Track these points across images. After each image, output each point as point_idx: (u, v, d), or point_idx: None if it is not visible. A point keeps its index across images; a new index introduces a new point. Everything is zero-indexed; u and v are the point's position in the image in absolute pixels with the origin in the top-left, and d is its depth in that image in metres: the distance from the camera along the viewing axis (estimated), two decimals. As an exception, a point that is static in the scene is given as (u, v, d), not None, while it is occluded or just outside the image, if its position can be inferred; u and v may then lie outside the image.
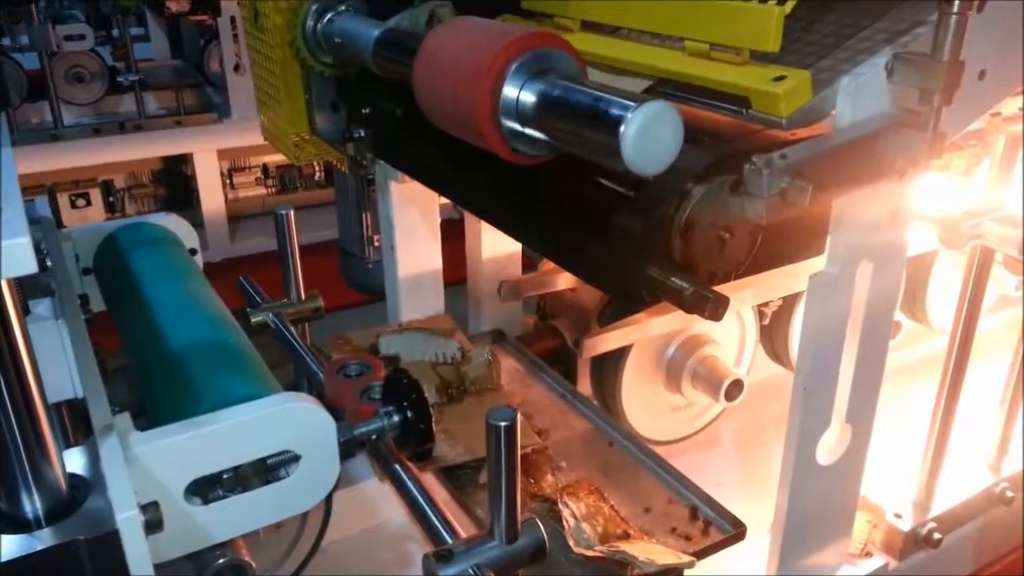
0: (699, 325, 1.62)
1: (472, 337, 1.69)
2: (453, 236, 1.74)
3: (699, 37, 0.98)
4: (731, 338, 1.71)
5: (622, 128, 0.70)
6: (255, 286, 1.49)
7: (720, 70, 0.95)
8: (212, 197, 3.47)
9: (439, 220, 1.64)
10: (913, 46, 0.91)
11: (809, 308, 1.02)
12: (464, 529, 0.96)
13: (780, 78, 0.90)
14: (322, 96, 1.52)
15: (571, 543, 1.10)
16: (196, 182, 3.45)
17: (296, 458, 0.86)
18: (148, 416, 0.92)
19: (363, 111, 1.44)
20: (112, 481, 0.72)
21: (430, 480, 1.24)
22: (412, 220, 1.60)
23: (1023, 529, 1.53)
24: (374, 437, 1.00)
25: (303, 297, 1.46)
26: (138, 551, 0.71)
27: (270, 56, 1.48)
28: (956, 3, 0.82)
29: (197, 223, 2.81)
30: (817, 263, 1.02)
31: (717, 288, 0.88)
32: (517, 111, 0.82)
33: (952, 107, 0.87)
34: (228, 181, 3.68)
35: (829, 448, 1.12)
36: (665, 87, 1.04)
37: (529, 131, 0.83)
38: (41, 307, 1.06)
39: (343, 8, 1.37)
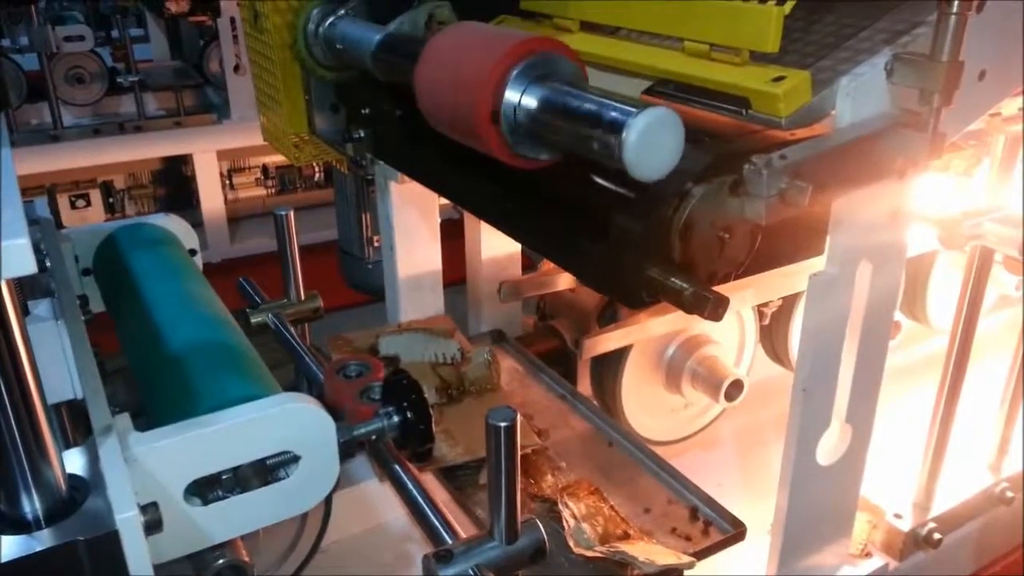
0: (699, 325, 1.62)
1: (472, 338, 1.69)
2: (453, 236, 1.74)
3: (698, 37, 0.98)
4: (731, 338, 1.71)
5: (623, 134, 0.71)
6: (255, 287, 1.49)
7: (720, 70, 0.95)
8: (212, 198, 3.47)
9: (439, 220, 1.64)
10: (913, 46, 0.91)
11: (809, 308, 1.02)
12: (464, 529, 0.96)
13: (780, 78, 0.90)
14: (322, 97, 1.52)
15: (571, 543, 1.10)
16: (196, 183, 3.45)
17: (296, 459, 0.86)
18: (147, 417, 0.92)
19: (362, 112, 1.44)
20: (111, 482, 0.72)
21: (430, 480, 1.24)
22: (412, 220, 1.60)
23: (1023, 529, 1.53)
24: (374, 438, 1.00)
25: (303, 297, 1.46)
26: (137, 552, 0.71)
27: (270, 57, 1.48)
28: (955, 3, 0.82)
29: (197, 224, 2.81)
30: (817, 263, 1.02)
31: (717, 288, 0.88)
32: (518, 117, 0.82)
33: (952, 107, 0.87)
34: (228, 182, 3.68)
35: (829, 448, 1.12)
36: (665, 88, 1.04)
37: (530, 136, 0.83)
38: (40, 308, 1.06)
39: (343, 12, 1.37)
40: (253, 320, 1.40)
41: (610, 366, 1.59)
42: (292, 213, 1.42)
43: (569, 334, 1.68)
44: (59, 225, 1.30)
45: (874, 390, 1.13)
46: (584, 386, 1.63)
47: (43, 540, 0.68)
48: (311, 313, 1.46)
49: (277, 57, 1.45)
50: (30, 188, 3.26)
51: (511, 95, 0.81)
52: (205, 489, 0.82)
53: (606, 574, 1.07)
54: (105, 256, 1.27)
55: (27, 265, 0.61)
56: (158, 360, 0.98)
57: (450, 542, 0.92)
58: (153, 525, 0.75)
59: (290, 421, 0.84)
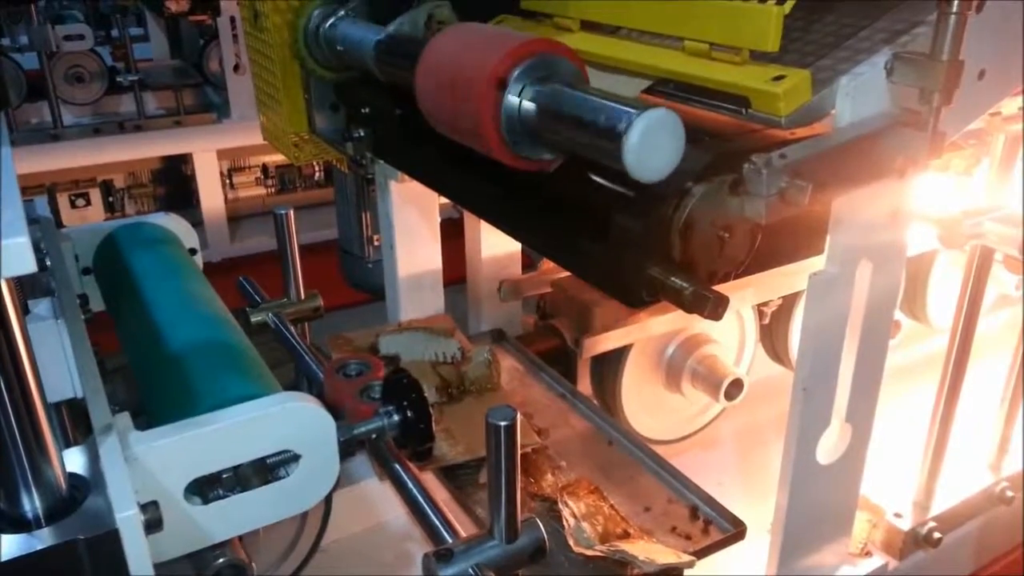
0: (699, 324, 1.62)
1: (472, 337, 1.69)
2: (453, 235, 1.74)
3: (699, 37, 0.98)
4: (731, 337, 1.72)
5: (624, 135, 0.71)
6: (255, 286, 1.49)
7: (720, 70, 0.95)
8: (212, 197, 3.47)
9: (439, 219, 1.64)
10: (912, 46, 0.91)
11: (809, 307, 1.02)
12: (464, 528, 0.96)
13: (779, 77, 0.90)
14: (321, 96, 1.52)
15: (571, 542, 1.10)
16: (196, 182, 3.45)
17: (296, 457, 0.86)
18: (148, 416, 0.92)
19: (362, 111, 1.45)
20: (112, 480, 0.72)
21: (430, 479, 1.24)
22: (412, 219, 1.60)
23: (1023, 529, 1.53)
24: (374, 436, 1.00)
25: (303, 297, 1.46)
26: (138, 550, 0.71)
27: (269, 56, 1.48)
28: (955, 3, 0.82)
29: (197, 223, 2.81)
30: (817, 262, 1.02)
31: (717, 287, 0.88)
32: (519, 118, 0.82)
33: (951, 107, 0.88)
34: (228, 181, 3.68)
35: (829, 447, 1.12)
36: (665, 87, 1.04)
37: (531, 137, 0.83)
38: (41, 307, 1.06)
39: (343, 12, 1.37)
40: (253, 319, 1.40)
41: (610, 365, 1.59)
42: (292, 212, 1.42)
43: (569, 333, 1.68)
44: (59, 224, 1.30)
45: (874, 389, 1.13)
46: (584, 385, 1.63)
47: (43, 539, 0.68)
48: (311, 312, 1.46)
49: (277, 56, 1.45)
50: (30, 187, 3.26)
51: (511, 96, 0.82)
52: (205, 488, 0.82)
53: (606, 573, 1.07)
54: (105, 255, 1.27)
55: (27, 264, 0.61)
56: (158, 359, 0.98)
57: (450, 541, 0.92)
58: (153, 524, 0.75)
59: (290, 420, 0.84)
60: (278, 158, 3.69)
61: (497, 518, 0.88)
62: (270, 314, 1.41)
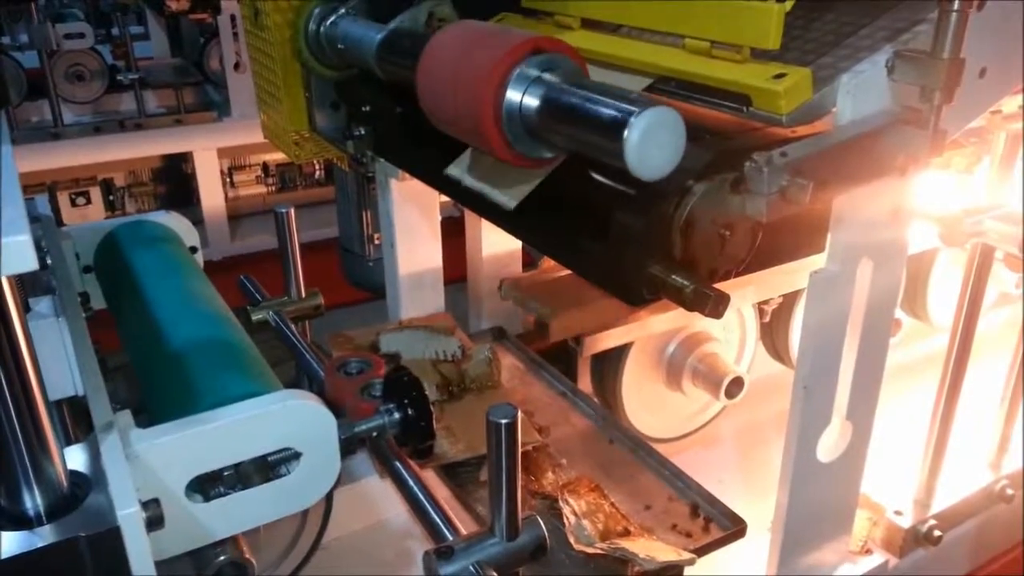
0: (699, 323, 1.62)
1: (472, 335, 1.69)
2: (453, 234, 1.74)
3: (699, 35, 0.98)
4: (732, 336, 1.72)
5: (625, 133, 0.71)
6: (255, 284, 1.49)
7: (721, 68, 0.95)
8: (212, 195, 3.47)
9: (439, 218, 1.64)
10: (913, 44, 0.91)
11: (809, 306, 1.02)
12: (465, 526, 0.96)
13: (780, 76, 0.90)
14: (322, 94, 1.52)
15: (572, 540, 1.10)
16: (196, 180, 3.45)
17: (297, 455, 0.86)
18: (149, 414, 0.92)
19: (363, 109, 1.45)
20: (113, 478, 0.72)
21: (431, 477, 1.24)
22: (412, 218, 1.60)
23: (1023, 527, 1.53)
24: (375, 434, 1.00)
25: (303, 295, 1.46)
26: (139, 548, 0.71)
27: (270, 54, 1.48)
28: (956, 1, 0.82)
29: (197, 221, 2.81)
30: (818, 261, 1.02)
31: (717, 285, 0.88)
32: (520, 116, 0.82)
33: (952, 105, 0.88)
34: (228, 179, 3.68)
35: (829, 445, 1.12)
36: (666, 85, 1.04)
37: (532, 135, 0.83)
38: (41, 305, 1.06)
39: (344, 10, 1.37)
40: (254, 317, 1.40)
41: (611, 363, 1.60)
42: (293, 211, 1.42)
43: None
44: (59, 223, 1.30)
45: (875, 387, 1.13)
46: (585, 383, 1.63)
47: (45, 536, 0.68)
48: (312, 310, 1.46)
49: (278, 55, 1.45)
50: (31, 186, 3.26)
51: (513, 94, 0.81)
52: (206, 486, 0.82)
53: (607, 571, 1.08)
54: (106, 253, 1.27)
55: (28, 262, 0.61)
56: (159, 357, 0.98)
57: (451, 539, 0.92)
58: (155, 521, 0.75)
59: (291, 418, 0.84)
60: (279, 156, 3.69)
61: (498, 516, 0.88)
62: (271, 312, 1.41)
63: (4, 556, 0.66)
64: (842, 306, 1.03)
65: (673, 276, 0.89)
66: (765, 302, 1.68)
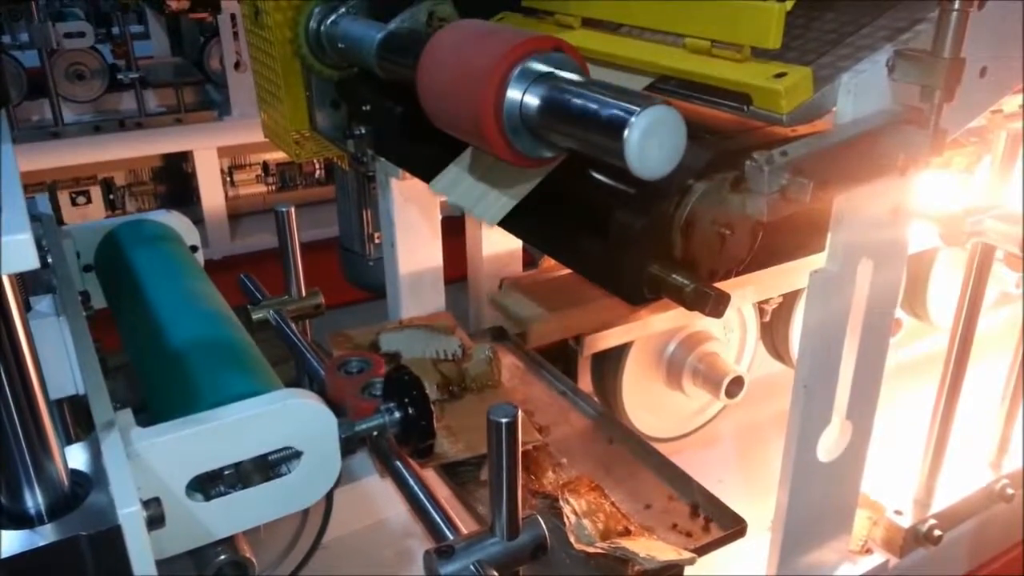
0: (700, 322, 1.62)
1: (473, 334, 1.69)
2: (454, 233, 1.74)
3: (700, 34, 0.98)
4: (732, 335, 1.72)
5: (626, 132, 0.71)
6: (256, 283, 1.49)
7: (721, 67, 0.95)
8: (212, 195, 3.47)
9: (440, 217, 1.64)
10: (914, 43, 0.91)
11: (810, 305, 1.02)
12: (465, 526, 0.96)
13: (781, 75, 0.90)
14: (322, 93, 1.52)
15: (572, 539, 1.10)
16: (196, 180, 3.45)
17: (297, 454, 0.86)
18: (149, 413, 0.92)
19: (363, 108, 1.45)
20: (114, 477, 0.72)
21: (431, 477, 1.24)
22: (413, 217, 1.60)
23: (1023, 526, 1.53)
24: (375, 434, 1.00)
25: (304, 294, 1.46)
26: (140, 547, 0.71)
27: (270, 53, 1.48)
28: (957, 0, 0.82)
29: (197, 221, 2.81)
30: (818, 260, 1.02)
31: (718, 285, 0.88)
32: (521, 115, 0.82)
33: (953, 104, 0.88)
34: (228, 179, 3.68)
35: (829, 445, 1.12)
36: (666, 84, 1.04)
37: (532, 134, 0.83)
38: (42, 304, 1.06)
39: (344, 9, 1.37)
40: (254, 317, 1.40)
41: (611, 363, 1.60)
42: (293, 210, 1.42)
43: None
44: (60, 222, 1.30)
45: (875, 387, 1.13)
46: (585, 383, 1.63)
47: (46, 535, 0.68)
48: (312, 310, 1.46)
49: (278, 54, 1.45)
50: (31, 185, 3.26)
51: (513, 93, 0.81)
52: (207, 485, 0.82)
53: (607, 570, 1.08)
54: (106, 252, 1.27)
55: (29, 260, 0.61)
56: (160, 356, 0.98)
57: (451, 538, 0.92)
58: (155, 520, 0.75)
59: (292, 417, 0.84)
60: (279, 156, 3.69)
61: (498, 515, 0.88)
62: (271, 311, 1.41)
63: (5, 555, 0.66)
64: (842, 306, 1.03)
65: (673, 275, 0.89)
66: (765, 301, 1.68)
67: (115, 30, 3.77)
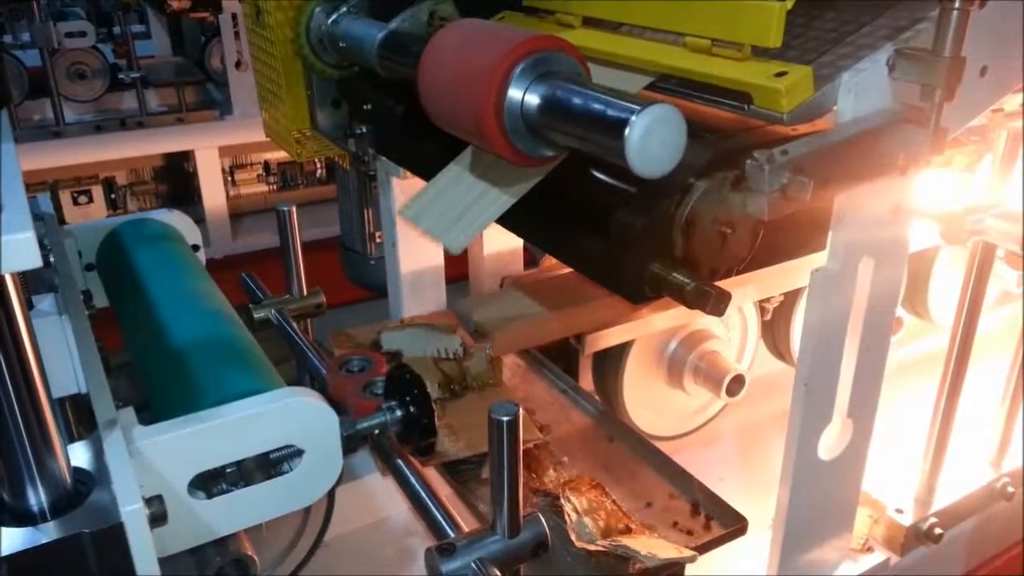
0: (701, 321, 1.62)
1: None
2: (455, 232, 1.74)
3: (700, 33, 0.98)
4: (733, 334, 1.72)
5: (626, 131, 0.71)
6: (257, 282, 1.49)
7: (721, 66, 0.95)
8: (214, 194, 3.47)
9: (441, 216, 1.64)
10: (915, 42, 0.91)
11: (811, 304, 1.02)
12: (466, 524, 0.96)
13: (782, 74, 0.90)
14: (324, 93, 1.52)
15: (573, 537, 1.10)
16: (197, 179, 3.45)
17: (299, 453, 0.86)
18: (152, 411, 0.92)
19: (364, 107, 1.45)
20: (116, 475, 0.73)
21: (432, 475, 1.24)
22: (414, 216, 1.60)
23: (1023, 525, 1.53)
24: (376, 432, 1.01)
25: (305, 293, 1.46)
26: (142, 544, 0.72)
27: (272, 53, 1.48)
28: (958, -1, 0.82)
29: (198, 220, 2.81)
30: (819, 259, 1.02)
31: (719, 284, 0.88)
32: (522, 114, 0.82)
33: (953, 103, 0.88)
34: (230, 178, 3.68)
35: (830, 443, 1.12)
36: (666, 83, 1.04)
37: (533, 134, 0.83)
38: (44, 303, 1.06)
39: (345, 9, 1.37)
40: (256, 316, 1.41)
41: (612, 362, 1.60)
42: (294, 209, 1.42)
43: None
44: (61, 221, 1.30)
45: (875, 385, 1.13)
46: (586, 381, 1.63)
47: (49, 532, 0.69)
48: (314, 309, 1.47)
49: (279, 53, 1.45)
50: (32, 184, 3.27)
51: (514, 92, 0.82)
52: (209, 483, 0.83)
53: (608, 568, 1.08)
54: (108, 251, 1.27)
55: (32, 259, 0.61)
56: (162, 355, 0.99)
57: (452, 536, 0.92)
58: (158, 518, 0.75)
59: (293, 415, 0.85)
60: (280, 155, 3.69)
61: (499, 513, 0.88)
62: (273, 310, 1.42)
63: (9, 552, 0.66)
64: (843, 304, 1.03)
65: (674, 274, 0.89)
66: (766, 300, 1.68)
67: (116, 29, 3.77)
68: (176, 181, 3.70)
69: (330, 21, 1.38)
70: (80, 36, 3.24)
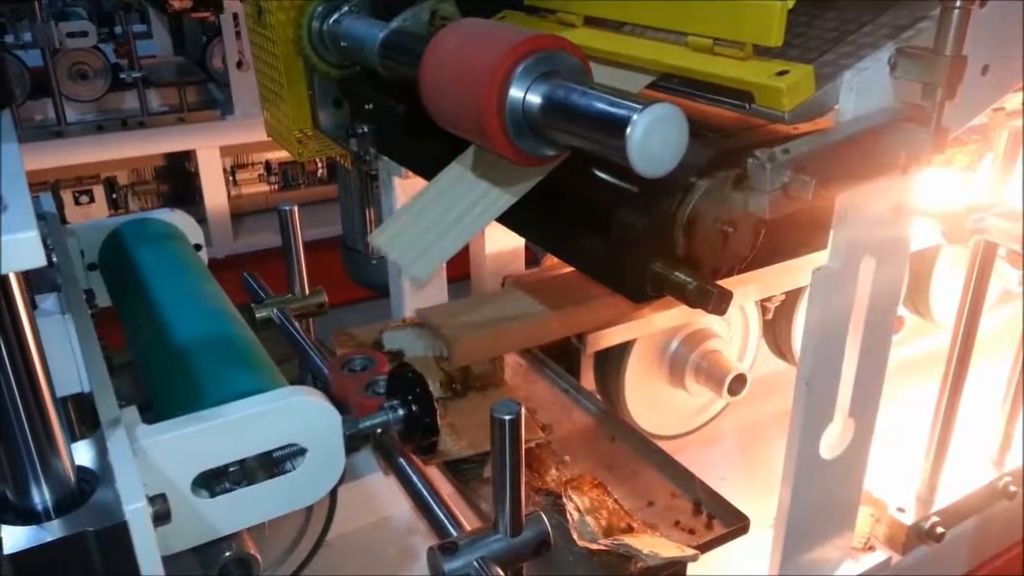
0: (702, 320, 1.62)
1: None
2: (456, 232, 1.74)
3: (702, 32, 0.98)
4: (734, 333, 1.72)
5: (628, 131, 0.71)
6: (259, 282, 1.50)
7: (723, 65, 0.96)
8: (215, 194, 3.47)
9: (442, 216, 1.64)
10: (916, 41, 0.91)
11: (812, 303, 1.02)
12: (469, 522, 0.96)
13: (783, 73, 0.90)
14: (325, 92, 1.52)
15: (575, 536, 1.11)
16: (199, 179, 3.45)
17: (302, 451, 0.87)
18: (155, 410, 0.92)
19: (366, 107, 1.45)
20: (120, 474, 0.73)
21: (435, 474, 1.24)
22: (415, 216, 1.60)
23: (1025, 523, 1.53)
24: (379, 431, 1.01)
25: (307, 293, 1.46)
26: (146, 543, 0.72)
27: (273, 53, 1.48)
28: (959, -2, 0.82)
29: (200, 219, 2.81)
30: (820, 258, 1.03)
31: (720, 283, 0.88)
32: (523, 114, 0.82)
33: (955, 102, 0.88)
34: (231, 178, 3.68)
35: (832, 442, 1.12)
36: (668, 82, 1.04)
37: (535, 133, 0.83)
38: (47, 302, 1.06)
39: (347, 8, 1.37)
40: (258, 315, 1.41)
41: (614, 361, 1.60)
42: (296, 208, 1.42)
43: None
44: (63, 221, 1.31)
45: (877, 385, 1.13)
46: (588, 381, 1.63)
47: (53, 531, 0.69)
48: (316, 308, 1.47)
49: (280, 53, 1.45)
50: (34, 184, 3.24)
51: (516, 92, 0.82)
52: (212, 481, 0.83)
53: (610, 567, 1.08)
54: (111, 251, 1.27)
55: (36, 258, 0.61)
56: (164, 354, 0.99)
57: (455, 535, 0.93)
58: (161, 516, 0.76)
59: (296, 414, 0.85)
60: (281, 155, 3.69)
61: (501, 512, 0.88)
62: (275, 310, 1.42)
63: (13, 551, 0.66)
64: (845, 303, 1.03)
65: (676, 273, 0.89)
66: (768, 299, 1.68)
67: (118, 29, 3.77)
68: (177, 181, 3.70)
69: (331, 21, 1.39)
70: (82, 36, 3.25)
